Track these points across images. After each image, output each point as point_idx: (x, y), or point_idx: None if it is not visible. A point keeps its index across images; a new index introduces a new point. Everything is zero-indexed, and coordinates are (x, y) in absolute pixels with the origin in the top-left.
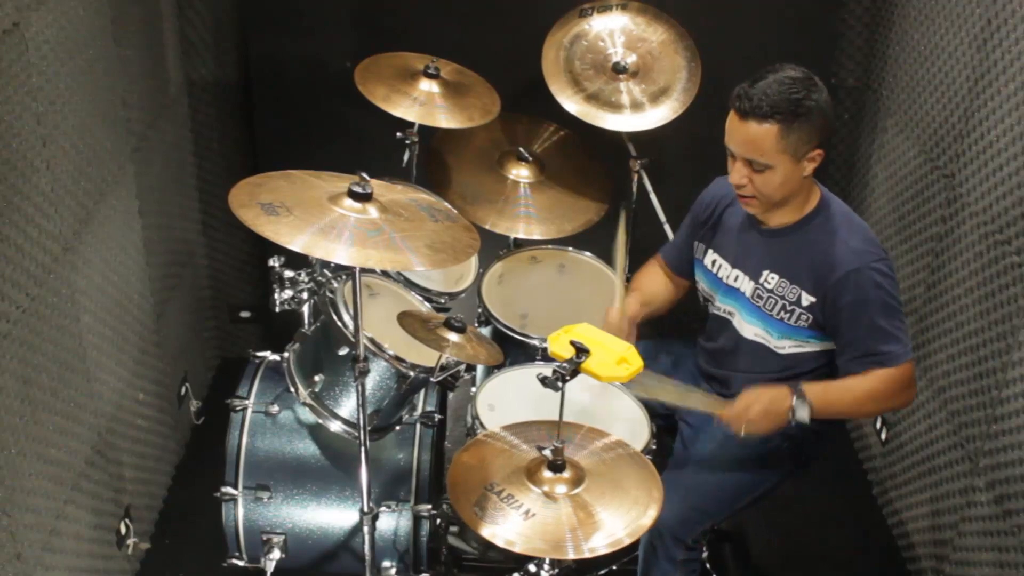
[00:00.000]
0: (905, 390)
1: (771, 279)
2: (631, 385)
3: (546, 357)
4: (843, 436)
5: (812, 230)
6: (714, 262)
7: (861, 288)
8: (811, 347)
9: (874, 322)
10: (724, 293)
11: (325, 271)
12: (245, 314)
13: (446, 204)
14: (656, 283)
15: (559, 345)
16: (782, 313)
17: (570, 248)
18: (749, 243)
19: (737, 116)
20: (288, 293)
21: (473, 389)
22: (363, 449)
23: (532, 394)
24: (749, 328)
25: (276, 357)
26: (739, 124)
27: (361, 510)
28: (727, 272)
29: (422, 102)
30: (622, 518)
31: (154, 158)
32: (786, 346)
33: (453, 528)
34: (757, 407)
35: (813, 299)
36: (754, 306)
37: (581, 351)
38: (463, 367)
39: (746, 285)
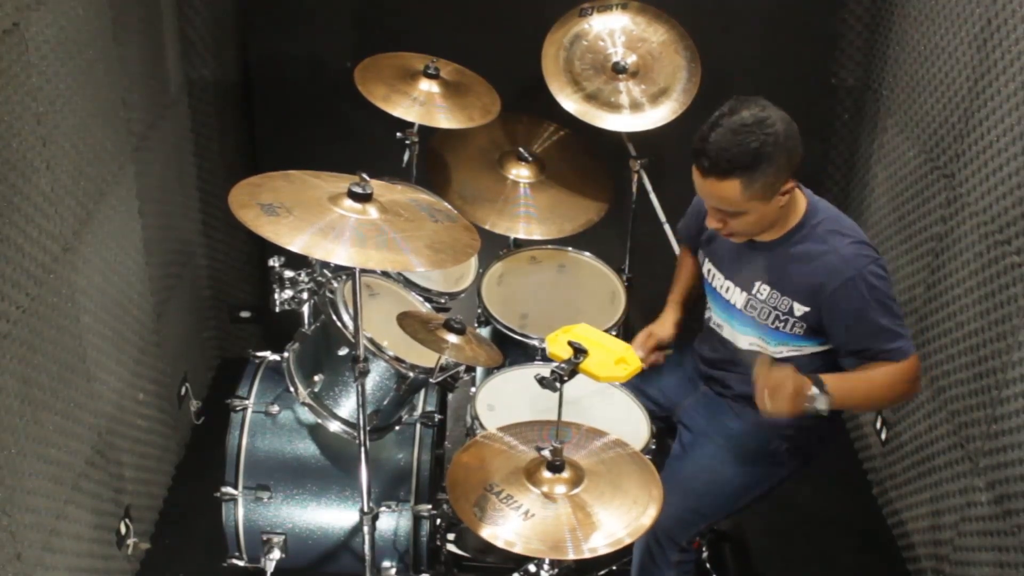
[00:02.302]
0: (914, 382)
1: (763, 291)
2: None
3: (546, 357)
4: (843, 436)
5: (801, 241)
6: (709, 271)
7: (860, 295)
8: (808, 349)
9: (878, 324)
10: (718, 304)
11: (325, 271)
12: (245, 314)
13: (446, 204)
14: (689, 272)
15: (557, 346)
16: (776, 323)
17: (570, 248)
18: (741, 255)
19: (698, 173)
20: (288, 293)
21: (472, 389)
22: (363, 449)
23: (531, 394)
24: (744, 338)
25: (276, 357)
26: (702, 181)
27: (361, 510)
28: (721, 282)
29: (422, 102)
30: (621, 518)
31: (154, 158)
32: (783, 351)
33: (450, 536)
34: (789, 388)
35: (807, 309)
36: (747, 316)
37: (579, 352)
38: (462, 367)
39: (738, 297)
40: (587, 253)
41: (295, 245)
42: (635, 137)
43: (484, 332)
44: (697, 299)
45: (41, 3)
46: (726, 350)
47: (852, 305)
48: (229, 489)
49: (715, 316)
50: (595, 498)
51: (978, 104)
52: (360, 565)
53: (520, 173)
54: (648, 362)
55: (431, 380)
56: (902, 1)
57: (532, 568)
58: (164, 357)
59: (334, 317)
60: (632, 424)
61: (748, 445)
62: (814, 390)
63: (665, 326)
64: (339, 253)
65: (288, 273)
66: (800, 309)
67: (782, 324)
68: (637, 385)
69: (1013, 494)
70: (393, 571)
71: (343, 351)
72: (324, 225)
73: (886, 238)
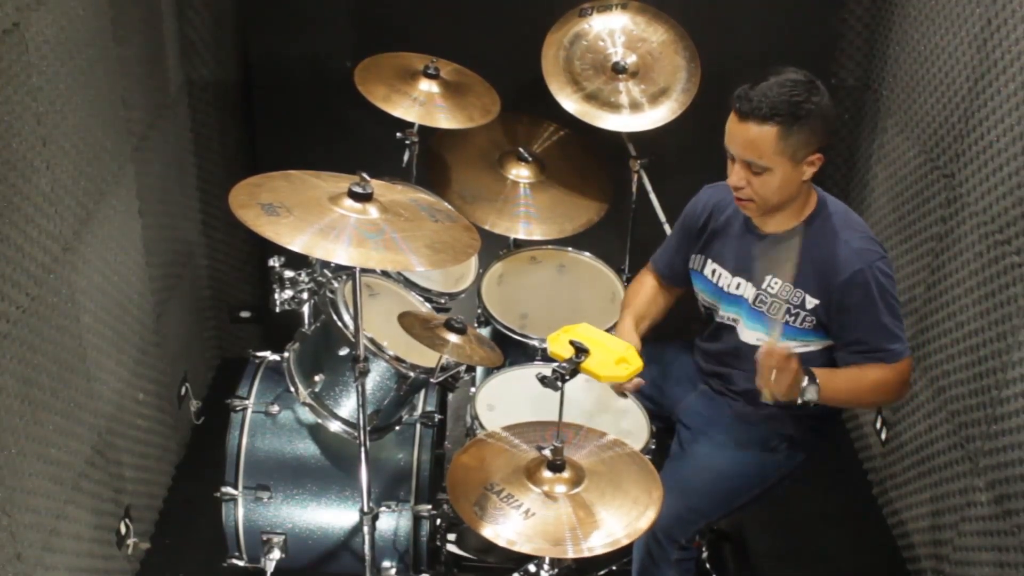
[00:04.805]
0: (903, 385)
1: (774, 284)
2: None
3: (546, 357)
4: (843, 436)
5: (812, 233)
6: (714, 271)
7: (867, 288)
8: (814, 346)
9: (879, 321)
10: (727, 302)
11: (325, 271)
12: (245, 314)
13: (446, 204)
14: (648, 295)
15: (558, 345)
16: (786, 317)
17: (570, 248)
18: (749, 249)
19: (737, 117)
20: (288, 293)
21: (473, 389)
22: (363, 449)
23: (532, 394)
24: (750, 333)
25: (276, 357)
26: (739, 125)
27: (361, 510)
28: (728, 280)
29: (422, 102)
30: (621, 518)
31: (154, 158)
32: (790, 346)
33: (451, 536)
34: (790, 373)
35: (817, 301)
36: (756, 311)
37: (580, 351)
38: (463, 367)
39: (748, 291)
40: (587, 253)
41: (295, 245)
42: (635, 137)
43: (484, 332)
44: (656, 320)
45: (41, 3)
46: (732, 345)
47: (858, 297)
48: (229, 489)
49: (727, 313)
50: (595, 498)
51: (978, 104)
52: (360, 565)
53: (520, 173)
54: (633, 387)
55: (431, 380)
56: (902, 1)
57: (532, 568)
58: (164, 357)
59: (334, 317)
60: (632, 424)
61: (747, 443)
62: (806, 380)
63: (626, 331)
64: (339, 253)
65: (288, 273)
66: (811, 302)
67: (792, 318)
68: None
69: (1013, 494)
70: (393, 571)
71: (343, 351)
72: (324, 225)
73: (886, 238)
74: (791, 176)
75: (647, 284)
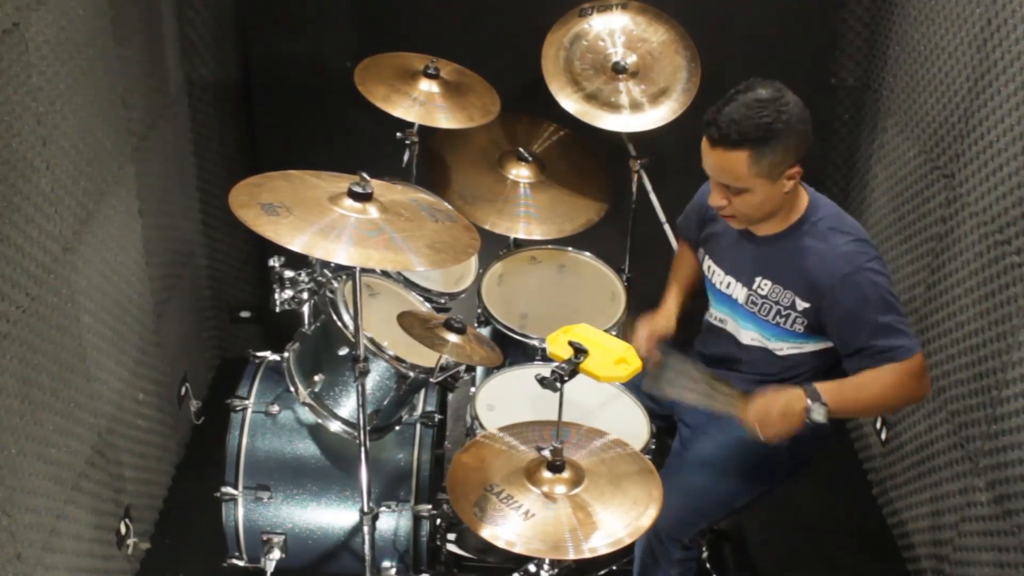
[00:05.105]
0: (918, 382)
1: (764, 285)
2: (658, 385)
3: (545, 357)
4: (843, 436)
5: (802, 236)
6: (709, 267)
7: (859, 290)
8: (809, 347)
9: (877, 321)
10: (718, 300)
11: (325, 271)
12: (245, 314)
13: (446, 204)
14: (689, 264)
15: (558, 345)
16: (777, 318)
17: (570, 248)
18: (742, 250)
19: (707, 143)
20: (288, 293)
21: (472, 389)
22: (363, 449)
23: (531, 394)
24: (746, 333)
25: (276, 357)
26: (710, 151)
27: (361, 510)
28: (721, 278)
29: (422, 102)
30: (621, 518)
31: (154, 158)
32: (783, 347)
33: (451, 536)
34: (775, 411)
35: (807, 304)
36: (748, 312)
37: (580, 351)
38: (463, 367)
39: (739, 292)
40: (587, 253)
41: (295, 245)
42: (635, 137)
43: (484, 332)
44: (695, 293)
45: (41, 3)
46: (728, 346)
47: (851, 302)
48: (229, 489)
49: (717, 312)
50: (595, 498)
51: (978, 104)
52: (360, 565)
53: (520, 173)
54: (652, 362)
55: (431, 380)
56: (902, 1)
57: (532, 568)
58: (164, 357)
59: (334, 317)
60: (632, 424)
61: (747, 443)
62: (808, 402)
63: (667, 320)
64: (339, 253)
65: (288, 273)
66: (802, 304)
67: (783, 320)
68: (637, 385)
69: (1013, 494)
70: (393, 571)
71: (343, 351)
72: (324, 225)
73: (886, 238)
74: (770, 193)
75: (686, 256)
